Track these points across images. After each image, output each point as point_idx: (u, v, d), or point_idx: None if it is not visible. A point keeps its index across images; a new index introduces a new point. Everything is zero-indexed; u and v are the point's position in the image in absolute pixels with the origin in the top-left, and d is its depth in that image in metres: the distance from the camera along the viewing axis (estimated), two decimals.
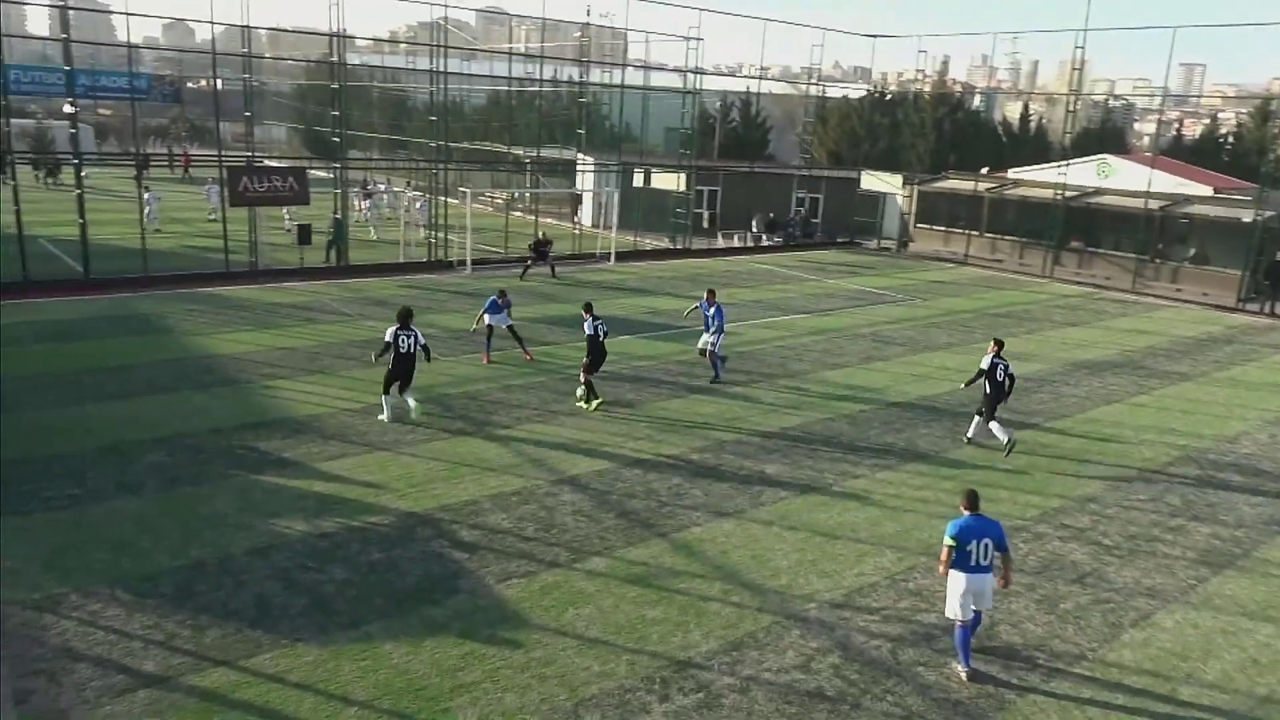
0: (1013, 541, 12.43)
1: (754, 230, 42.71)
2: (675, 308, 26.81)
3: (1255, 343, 26.73)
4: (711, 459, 14.95)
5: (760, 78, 47.45)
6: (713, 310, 19.07)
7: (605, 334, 17.58)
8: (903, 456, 15.57)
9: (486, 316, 20.03)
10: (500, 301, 20.10)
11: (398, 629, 9.56)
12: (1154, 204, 35.50)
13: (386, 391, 15.76)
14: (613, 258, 34.86)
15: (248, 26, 27.92)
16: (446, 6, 31.15)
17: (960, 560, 9.08)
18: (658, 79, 40.70)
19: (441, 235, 32.43)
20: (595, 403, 17.16)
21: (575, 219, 40.77)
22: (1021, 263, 39.51)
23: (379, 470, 13.66)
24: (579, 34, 37.90)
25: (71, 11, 25.05)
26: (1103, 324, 28.51)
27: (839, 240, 44.68)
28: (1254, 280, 32.57)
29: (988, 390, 15.98)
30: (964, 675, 9.35)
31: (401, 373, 15.70)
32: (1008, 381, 15.89)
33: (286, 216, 35.54)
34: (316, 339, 21.01)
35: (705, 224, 43.69)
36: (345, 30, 29.48)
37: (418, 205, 37.42)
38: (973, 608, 9.24)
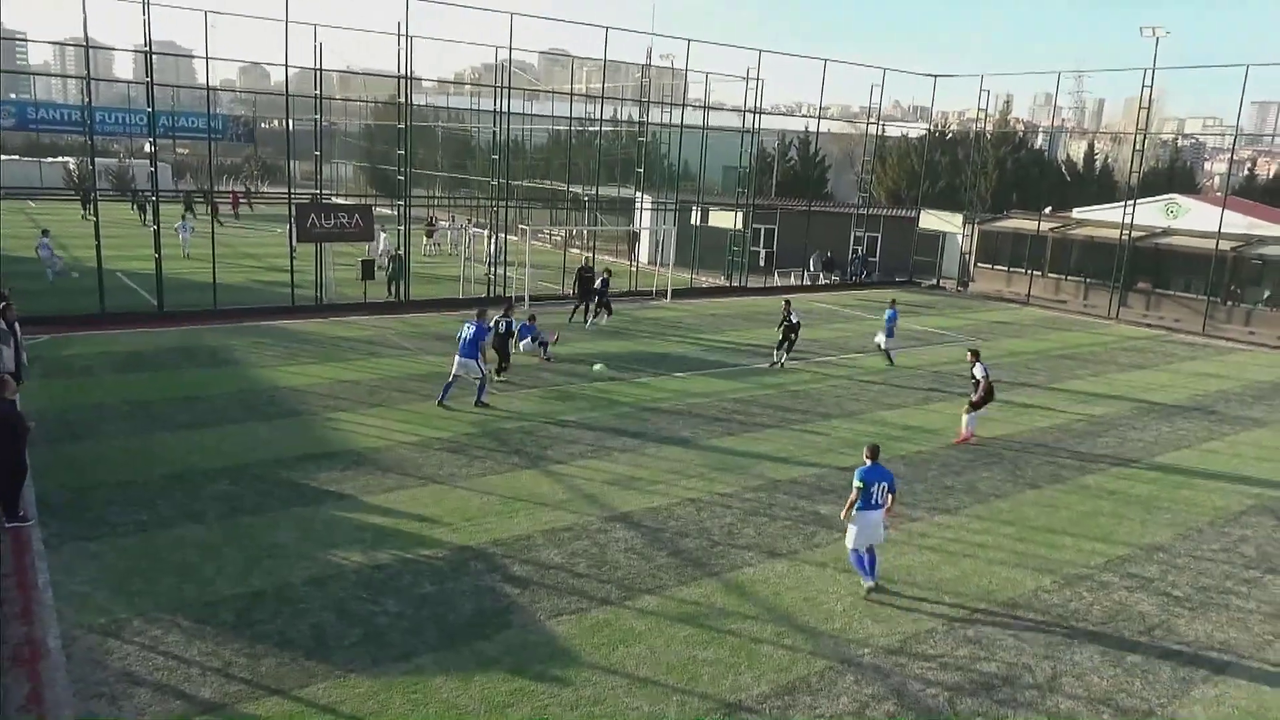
0: (1076, 590, 12.14)
1: (811, 269, 42.58)
2: (730, 345, 26.79)
3: None
4: (765, 498, 14.82)
5: (819, 117, 47.59)
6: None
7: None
8: (961, 500, 15.26)
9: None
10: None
11: (449, 663, 9.61)
12: (1226, 244, 34.60)
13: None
14: (669, 295, 35.00)
15: (320, 69, 28.91)
16: (510, 49, 31.91)
17: (863, 500, 11.40)
18: (717, 118, 41.02)
19: (501, 271, 32.93)
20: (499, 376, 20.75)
21: (632, 256, 41.08)
22: (1086, 304, 38.70)
23: (434, 503, 13.81)
24: (639, 75, 38.45)
25: (154, 56, 26.19)
26: (1171, 367, 27.72)
27: (897, 279, 44.28)
28: None
29: None
30: (867, 587, 11.63)
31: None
32: None
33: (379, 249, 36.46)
34: (378, 373, 21.41)
35: (762, 262, 43.69)
36: (413, 72, 30.33)
37: (486, 240, 37.96)
38: (870, 539, 11.59)
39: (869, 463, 11.68)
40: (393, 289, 31.00)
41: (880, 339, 25.30)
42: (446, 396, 18.88)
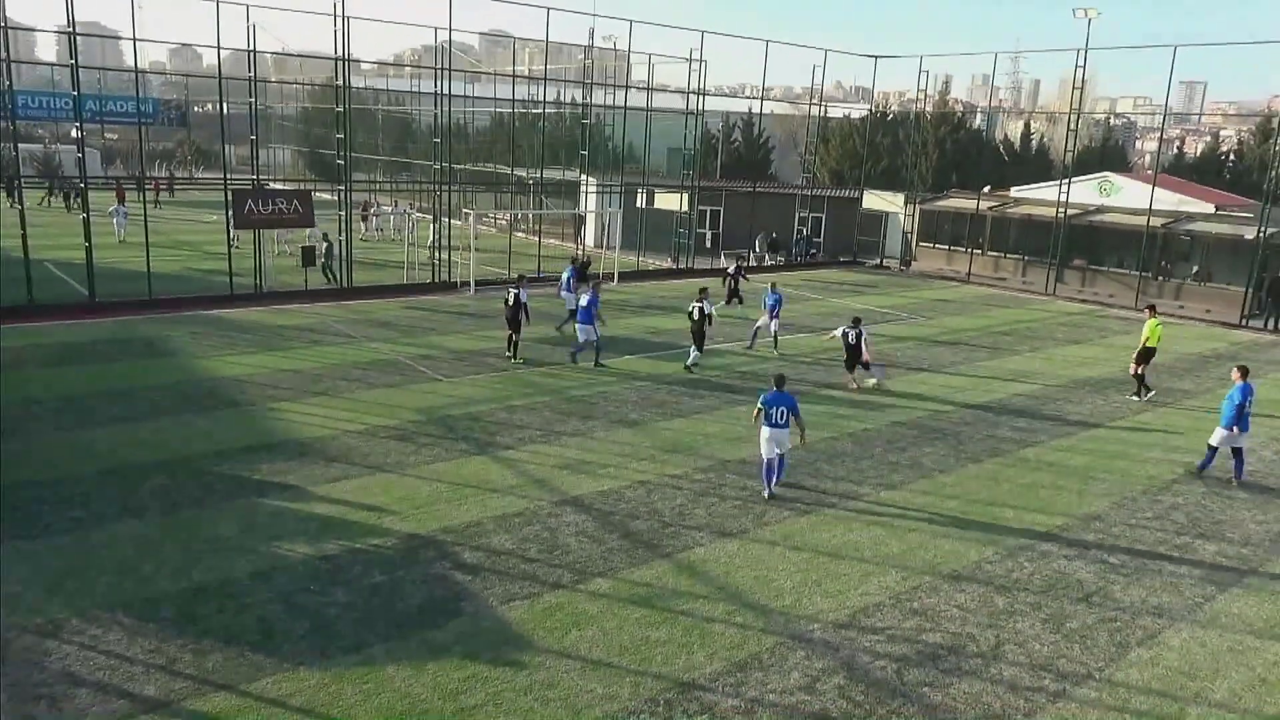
0: (1017, 560, 12.46)
1: (756, 250, 42.81)
2: (678, 327, 26.84)
3: (1259, 359, 26.64)
4: (715, 479, 14.92)
5: (762, 98, 47.72)
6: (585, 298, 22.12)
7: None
8: (906, 475, 15.53)
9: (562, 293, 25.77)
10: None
11: (400, 652, 9.53)
12: (1156, 221, 35.56)
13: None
14: (616, 278, 34.93)
15: (254, 51, 28.17)
16: (451, 30, 31.41)
17: (767, 419, 13.87)
18: (660, 100, 40.87)
19: (444, 256, 32.55)
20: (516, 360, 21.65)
21: (578, 240, 40.90)
22: (1024, 281, 39.54)
23: (382, 492, 13.65)
24: (583, 56, 38.16)
25: (79, 37, 25.27)
26: (1106, 341, 28.47)
27: (841, 259, 44.77)
28: (1257, 297, 32.54)
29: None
30: (766, 495, 14.13)
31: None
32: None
33: (285, 241, 36.05)
34: (320, 361, 21.06)
35: (708, 244, 43.81)
36: (350, 54, 29.72)
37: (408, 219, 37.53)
38: (776, 450, 13.95)
39: (774, 390, 14.07)
40: (328, 275, 30.37)
41: (771, 324, 24.11)
42: (580, 355, 21.91)
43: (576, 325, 21.85)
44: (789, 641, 10.14)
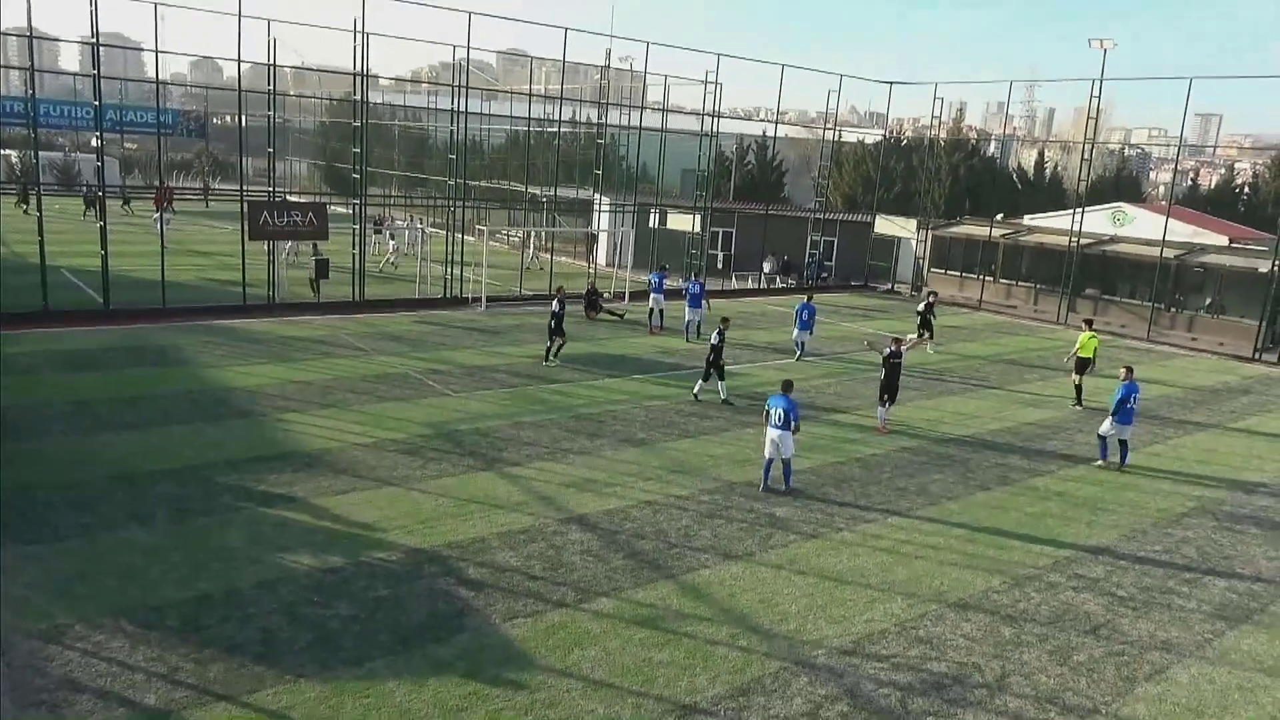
0: (1024, 590, 12.37)
1: (767, 272, 42.85)
2: (687, 348, 26.85)
3: (1272, 393, 26.49)
4: (721, 501, 14.88)
5: (776, 121, 47.83)
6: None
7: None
8: (914, 502, 15.46)
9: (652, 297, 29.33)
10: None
11: (402, 667, 9.50)
12: (1169, 253, 35.46)
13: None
14: (627, 297, 35.00)
15: (274, 65, 28.45)
16: (469, 48, 31.69)
17: (768, 419, 15.22)
18: (675, 121, 41.04)
19: (457, 272, 32.68)
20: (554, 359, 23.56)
21: (590, 258, 41.00)
22: (1036, 309, 39.44)
23: (388, 506, 13.65)
24: (598, 76, 38.40)
25: (102, 48, 25.57)
26: (1117, 371, 28.23)
27: (853, 283, 44.76)
28: (1270, 331, 32.37)
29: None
30: (760, 489, 15.33)
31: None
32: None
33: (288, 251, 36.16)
34: (331, 373, 21.13)
35: (719, 265, 43.87)
36: (369, 70, 29.98)
37: (413, 235, 37.62)
38: (775, 453, 15.21)
39: (779, 392, 15.39)
40: (318, 289, 30.19)
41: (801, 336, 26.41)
42: (691, 333, 27.70)
43: (687, 309, 27.95)
44: (793, 667, 10.06)
